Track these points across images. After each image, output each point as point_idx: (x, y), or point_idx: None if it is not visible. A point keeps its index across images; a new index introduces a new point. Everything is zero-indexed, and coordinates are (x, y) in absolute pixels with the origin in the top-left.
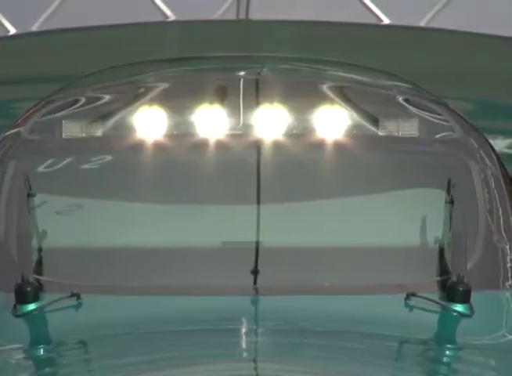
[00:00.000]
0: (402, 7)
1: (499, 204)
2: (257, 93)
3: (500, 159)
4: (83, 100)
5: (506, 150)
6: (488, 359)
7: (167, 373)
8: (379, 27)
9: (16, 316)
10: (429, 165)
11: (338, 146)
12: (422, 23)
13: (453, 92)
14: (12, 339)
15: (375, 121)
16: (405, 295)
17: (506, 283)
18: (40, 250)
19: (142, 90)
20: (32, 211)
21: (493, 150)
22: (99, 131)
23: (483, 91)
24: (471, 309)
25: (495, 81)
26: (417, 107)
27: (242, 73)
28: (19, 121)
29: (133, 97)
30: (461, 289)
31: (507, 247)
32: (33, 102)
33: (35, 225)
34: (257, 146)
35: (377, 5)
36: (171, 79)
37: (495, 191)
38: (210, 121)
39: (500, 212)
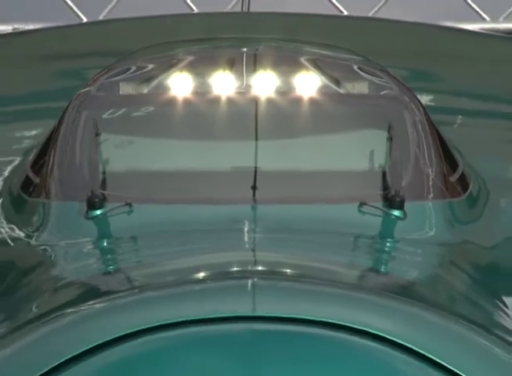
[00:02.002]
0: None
1: (424, 140)
2: (255, 63)
3: (425, 109)
4: (133, 68)
5: (429, 103)
6: (416, 248)
7: (192, 258)
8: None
9: (87, 218)
10: (375, 113)
11: (312, 101)
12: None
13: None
14: (84, 235)
15: (338, 83)
16: (358, 204)
17: (429, 196)
18: (104, 172)
19: (174, 61)
20: (98, 145)
21: (421, 103)
22: (144, 90)
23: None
24: (405, 213)
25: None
26: (367, 73)
27: (244, 49)
28: (89, 82)
29: (168, 66)
30: (397, 199)
31: (429, 170)
32: (98, 70)
33: (100, 154)
34: (256, 100)
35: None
36: (194, 53)
37: (422, 131)
38: (222, 83)
39: (425, 146)
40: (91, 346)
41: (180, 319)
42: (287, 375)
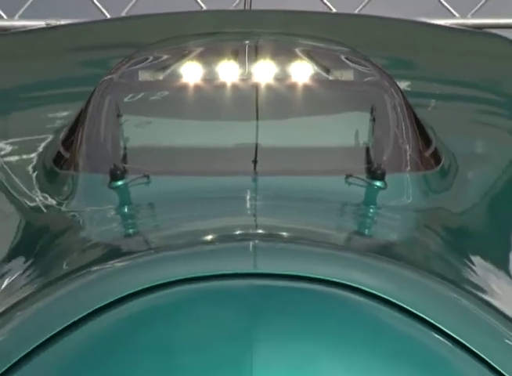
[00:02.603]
0: None
1: (402, 121)
2: (255, 54)
3: (403, 94)
4: (150, 58)
5: (406, 88)
6: (395, 213)
7: (201, 222)
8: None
9: (110, 188)
10: (360, 97)
11: (305, 86)
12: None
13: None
14: (107, 203)
15: (327, 71)
16: (345, 176)
17: (407, 169)
18: (124, 148)
19: (185, 52)
20: (120, 124)
21: (399, 89)
22: (160, 76)
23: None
24: (385, 184)
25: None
26: (353, 62)
27: (247, 42)
28: (112, 71)
29: (180, 56)
30: (379, 172)
31: (407, 146)
32: (119, 60)
33: (121, 132)
34: (256, 86)
35: None
36: (203, 45)
37: (400, 113)
38: (227, 71)
39: (403, 125)
40: (114, 299)
41: (190, 276)
42: (284, 323)
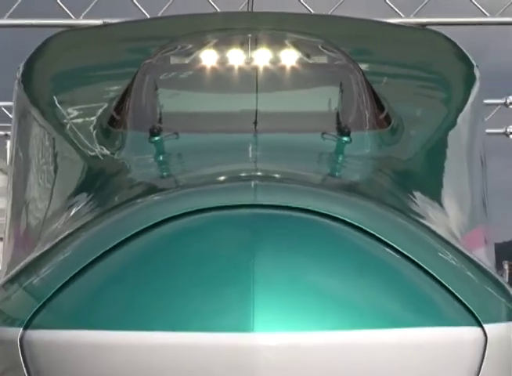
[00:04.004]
0: None
1: (362, 93)
2: (256, 43)
3: (363, 73)
4: (179, 47)
5: (365, 69)
6: (359, 161)
7: (215, 167)
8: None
9: (149, 142)
10: (332, 75)
11: (293, 67)
12: None
13: None
14: (147, 153)
15: (308, 56)
16: (321, 133)
17: (366, 128)
18: (160, 113)
19: (204, 42)
20: (156, 96)
21: (360, 69)
22: (186, 60)
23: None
24: (351, 139)
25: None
26: (327, 50)
27: (249, 35)
28: (151, 56)
29: (200, 45)
30: (346, 130)
31: (366, 111)
32: (156, 48)
33: (158, 101)
34: (256, 67)
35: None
36: (217, 37)
37: (361, 87)
38: (235, 55)
39: (363, 96)
40: (153, 223)
41: (207, 206)
42: (278, 240)
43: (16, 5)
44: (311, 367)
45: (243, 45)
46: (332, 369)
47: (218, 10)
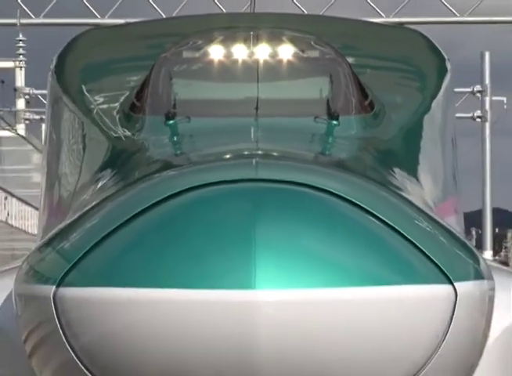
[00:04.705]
0: None
1: (349, 82)
2: (257, 39)
3: (350, 65)
4: (190, 43)
5: (352, 62)
6: (346, 141)
7: (221, 147)
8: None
9: (165, 125)
10: (323, 67)
11: (289, 60)
12: None
13: None
14: (163, 134)
15: (302, 51)
16: (313, 117)
17: (352, 112)
18: (174, 99)
19: (212, 38)
20: (171, 85)
21: (348, 62)
22: (196, 54)
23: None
24: (339, 122)
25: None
26: (319, 45)
27: (251, 32)
28: (166, 50)
29: (209, 41)
30: (335, 115)
31: (352, 98)
32: (171, 44)
33: (172, 89)
34: (257, 59)
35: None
36: (223, 34)
37: (348, 77)
38: (239, 50)
39: (350, 85)
40: (167, 195)
41: (215, 180)
42: (277, 209)
43: (49, 7)
44: (306, 320)
45: (245, 41)
46: (321, 323)
47: (224, 11)
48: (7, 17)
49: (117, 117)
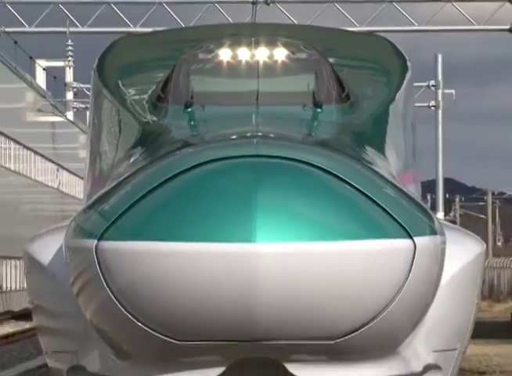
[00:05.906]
0: None
1: (330, 78)
2: (257, 44)
3: (331, 65)
4: (204, 47)
5: (332, 62)
6: (327, 125)
7: (230, 129)
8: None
9: (184, 112)
10: (309, 66)
11: (283, 60)
12: None
13: None
14: (183, 119)
15: (293, 53)
16: (302, 105)
17: (333, 102)
18: (192, 92)
19: (221, 44)
20: (189, 80)
21: (329, 62)
22: (209, 56)
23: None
24: (322, 110)
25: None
26: (306, 48)
27: (252, 38)
28: (185, 53)
29: (218, 46)
30: (319, 104)
31: (333, 91)
32: (189, 48)
33: (190, 84)
34: (258, 59)
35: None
36: (230, 40)
37: (329, 75)
38: (243, 51)
39: (331, 80)
40: (185, 168)
41: (223, 156)
42: (275, 180)
43: (92, 18)
44: (299, 269)
45: (248, 45)
46: (308, 271)
47: (231, 21)
48: (58, 26)
49: (146, 106)
